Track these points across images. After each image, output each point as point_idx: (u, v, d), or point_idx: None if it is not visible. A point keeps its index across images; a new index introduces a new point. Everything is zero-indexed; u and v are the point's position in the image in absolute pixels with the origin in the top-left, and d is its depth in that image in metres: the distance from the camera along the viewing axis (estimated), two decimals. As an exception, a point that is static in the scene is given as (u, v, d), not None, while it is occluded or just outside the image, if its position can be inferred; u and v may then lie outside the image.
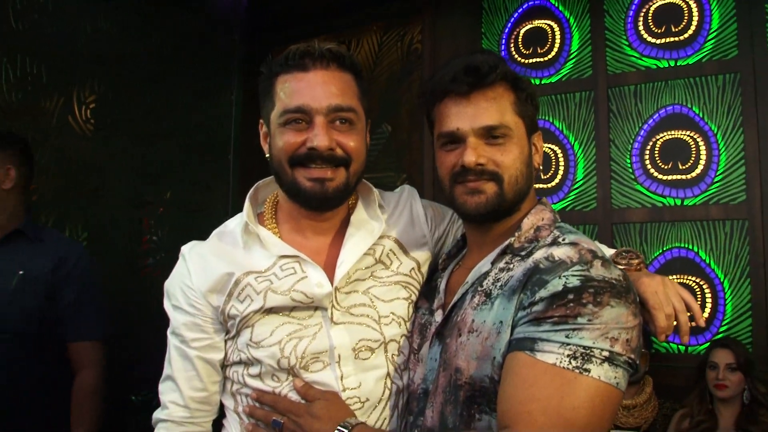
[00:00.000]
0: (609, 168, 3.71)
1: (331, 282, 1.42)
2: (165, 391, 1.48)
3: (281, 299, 1.38)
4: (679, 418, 3.08)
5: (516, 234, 1.37)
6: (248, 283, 1.40)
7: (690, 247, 3.49)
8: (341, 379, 1.38)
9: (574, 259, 1.23)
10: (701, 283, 3.43)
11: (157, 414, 1.49)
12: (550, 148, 3.91)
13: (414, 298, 1.54)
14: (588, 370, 1.14)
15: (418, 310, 1.53)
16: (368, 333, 1.42)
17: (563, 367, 1.14)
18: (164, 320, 1.53)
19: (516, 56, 4.08)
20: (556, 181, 3.86)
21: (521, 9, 4.12)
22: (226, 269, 1.42)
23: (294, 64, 1.42)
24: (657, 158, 3.61)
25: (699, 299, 3.42)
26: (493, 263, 1.37)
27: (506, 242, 1.37)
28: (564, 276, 1.21)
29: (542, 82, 3.98)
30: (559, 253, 1.27)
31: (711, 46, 3.54)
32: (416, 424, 1.37)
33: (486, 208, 1.37)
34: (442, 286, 1.50)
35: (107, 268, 3.07)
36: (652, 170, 3.62)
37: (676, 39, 3.63)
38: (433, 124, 1.47)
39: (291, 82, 1.41)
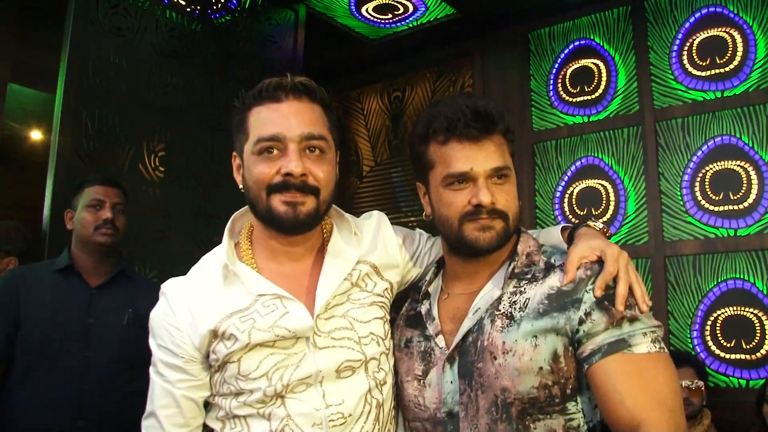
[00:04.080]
0: (659, 201, 3.71)
1: (312, 311, 1.46)
2: (148, 427, 1.49)
3: (265, 335, 1.42)
4: (740, 453, 2.99)
5: (515, 260, 1.50)
6: (232, 323, 1.43)
7: (746, 278, 3.43)
8: (324, 397, 1.43)
9: (589, 274, 1.40)
10: (759, 314, 3.35)
11: None
12: (600, 183, 3.94)
13: (388, 317, 1.60)
14: (663, 348, 1.34)
15: (409, 340, 1.59)
16: (350, 354, 1.46)
17: (655, 352, 1.32)
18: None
19: (564, 95, 4.16)
20: (607, 216, 3.87)
21: (567, 50, 4.21)
22: (209, 312, 1.45)
23: (267, 96, 1.47)
24: (708, 189, 3.58)
25: (758, 331, 3.34)
26: (503, 288, 1.48)
27: (510, 268, 1.50)
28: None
29: (590, 119, 4.04)
30: (575, 275, 1.43)
31: (757, 75, 3.53)
32: None
33: (497, 242, 1.47)
34: (435, 312, 1.58)
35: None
36: (703, 202, 3.59)
37: (722, 70, 3.64)
38: (427, 164, 1.52)
39: (264, 112, 1.46)
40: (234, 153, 1.56)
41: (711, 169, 3.60)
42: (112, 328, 2.59)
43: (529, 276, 1.47)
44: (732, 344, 3.41)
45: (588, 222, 1.58)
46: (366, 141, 5.18)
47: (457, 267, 1.58)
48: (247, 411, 1.44)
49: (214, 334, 1.43)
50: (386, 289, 1.60)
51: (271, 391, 1.41)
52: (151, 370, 1.51)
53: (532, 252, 1.52)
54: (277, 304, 1.45)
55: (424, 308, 1.60)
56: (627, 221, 3.82)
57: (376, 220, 1.68)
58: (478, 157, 1.45)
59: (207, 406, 1.54)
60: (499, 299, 1.46)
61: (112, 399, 2.51)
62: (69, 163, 3.04)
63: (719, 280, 3.50)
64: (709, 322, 3.48)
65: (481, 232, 1.45)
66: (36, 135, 6.08)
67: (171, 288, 1.52)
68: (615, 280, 1.37)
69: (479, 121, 1.45)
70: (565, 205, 4.06)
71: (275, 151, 1.44)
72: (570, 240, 1.54)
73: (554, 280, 1.43)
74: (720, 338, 3.44)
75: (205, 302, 1.47)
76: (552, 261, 1.49)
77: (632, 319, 1.33)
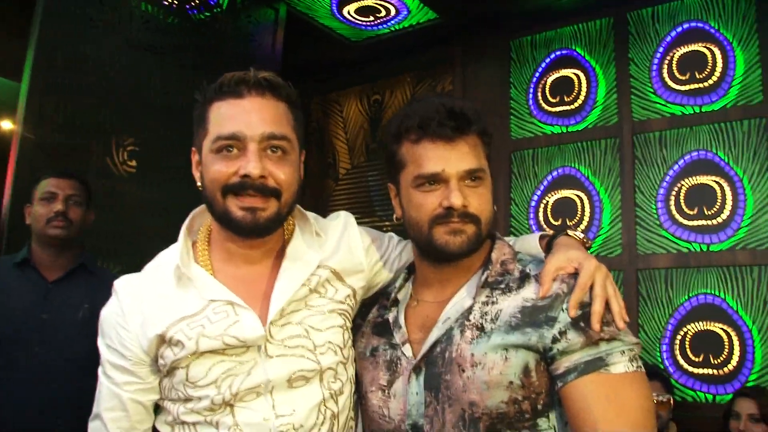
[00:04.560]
0: (634, 214, 3.71)
1: (265, 318, 1.40)
2: (93, 429, 1.45)
3: (213, 343, 1.36)
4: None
5: (489, 268, 1.44)
6: (180, 329, 1.37)
7: (717, 293, 3.43)
8: (273, 407, 1.37)
9: (565, 289, 1.34)
10: (728, 330, 3.36)
11: None
12: (576, 194, 3.93)
13: (349, 324, 1.54)
14: (641, 366, 1.29)
15: (375, 349, 1.53)
16: (304, 363, 1.40)
17: (632, 371, 1.27)
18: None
19: (543, 105, 4.15)
20: (582, 227, 3.86)
21: (548, 59, 4.20)
22: (159, 315, 1.39)
23: (228, 91, 1.39)
24: (682, 204, 3.58)
25: (726, 347, 3.34)
26: (474, 298, 1.42)
27: (483, 277, 1.43)
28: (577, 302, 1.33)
29: (568, 130, 4.03)
30: (550, 288, 1.36)
31: (736, 92, 3.54)
32: None
33: (468, 247, 1.41)
34: (401, 320, 1.52)
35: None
36: (677, 216, 3.59)
37: (701, 85, 3.64)
38: (399, 164, 1.47)
39: (225, 108, 1.39)
40: (193, 148, 1.48)
41: (686, 183, 3.60)
42: (67, 323, 2.52)
43: (502, 286, 1.41)
44: (701, 359, 3.40)
45: (568, 231, 1.53)
46: (344, 143, 5.14)
47: (428, 273, 1.52)
48: (195, 418, 1.38)
49: (162, 339, 1.38)
50: (348, 295, 1.53)
51: (220, 399, 1.35)
52: (99, 370, 1.46)
53: (507, 260, 1.46)
54: (228, 311, 1.39)
55: (391, 315, 1.53)
56: (601, 233, 3.80)
57: (342, 222, 1.61)
58: (451, 158, 1.38)
59: (157, 409, 1.48)
60: (470, 309, 1.40)
61: (68, 398, 2.43)
62: (32, 156, 2.97)
63: (690, 295, 3.50)
64: (679, 337, 3.48)
65: (451, 236, 1.39)
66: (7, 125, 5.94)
67: (123, 286, 1.46)
68: (591, 296, 1.30)
69: (453, 120, 1.39)
70: (540, 214, 4.04)
71: (234, 150, 1.36)
72: (548, 249, 1.48)
73: (529, 292, 1.37)
74: (689, 353, 3.44)
75: (156, 304, 1.41)
76: (527, 270, 1.42)
77: (610, 338, 1.28)
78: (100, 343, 1.46)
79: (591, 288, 1.32)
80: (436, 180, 1.40)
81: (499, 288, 1.41)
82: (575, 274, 1.34)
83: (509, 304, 1.37)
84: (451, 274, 1.48)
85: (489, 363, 1.31)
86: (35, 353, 2.45)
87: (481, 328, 1.35)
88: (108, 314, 1.46)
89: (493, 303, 1.38)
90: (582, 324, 1.28)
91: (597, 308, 1.28)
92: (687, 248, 3.54)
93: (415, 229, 1.44)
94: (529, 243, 1.56)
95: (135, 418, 1.43)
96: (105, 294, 1.79)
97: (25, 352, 2.44)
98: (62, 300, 2.56)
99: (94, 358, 1.73)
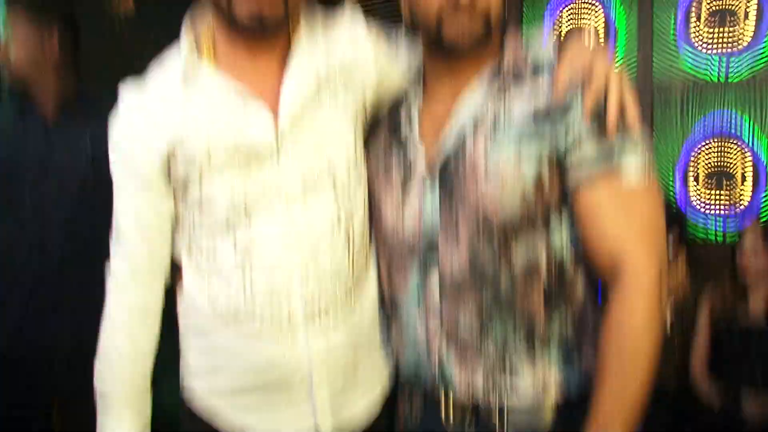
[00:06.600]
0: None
1: (276, 113, 1.35)
2: (114, 255, 1.44)
3: (225, 145, 1.31)
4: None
5: (501, 61, 1.38)
6: (188, 137, 1.32)
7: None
8: (291, 217, 1.35)
9: (577, 87, 1.29)
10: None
11: None
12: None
13: (360, 127, 1.49)
14: (653, 175, 1.29)
15: (387, 152, 1.49)
16: (318, 166, 1.37)
17: (646, 179, 1.26)
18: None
19: None
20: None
21: None
22: (165, 124, 1.33)
23: None
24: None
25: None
26: (486, 93, 1.37)
27: (495, 71, 1.38)
28: None
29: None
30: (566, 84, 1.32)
31: None
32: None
33: (476, 40, 1.33)
34: (415, 119, 1.47)
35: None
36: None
37: None
38: None
39: None
40: None
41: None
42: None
43: (514, 81, 1.34)
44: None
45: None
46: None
47: (439, 68, 1.44)
48: (211, 233, 1.36)
49: (171, 150, 1.32)
50: (359, 97, 1.46)
51: (234, 211, 1.33)
52: (115, 196, 1.41)
53: (517, 56, 1.38)
54: (239, 113, 1.33)
55: (403, 115, 1.47)
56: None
57: (348, 16, 1.49)
58: None
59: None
60: (483, 106, 1.35)
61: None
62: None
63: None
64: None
65: (458, 29, 1.31)
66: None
67: (127, 92, 1.39)
68: (606, 95, 1.25)
69: None
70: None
71: None
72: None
73: (541, 87, 1.31)
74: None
75: (161, 113, 1.34)
76: (539, 63, 1.35)
77: (623, 142, 1.22)
78: (111, 157, 1.40)
79: (606, 91, 1.26)
80: None
81: (509, 82, 1.35)
82: (588, 74, 1.28)
83: (522, 99, 1.32)
84: (463, 67, 1.40)
85: (503, 160, 1.29)
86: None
87: (494, 127, 1.32)
88: (117, 123, 1.39)
89: (504, 99, 1.34)
90: (597, 125, 1.24)
91: (612, 106, 1.24)
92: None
93: (423, 24, 1.36)
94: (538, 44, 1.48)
95: (153, 234, 1.40)
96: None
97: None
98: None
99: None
